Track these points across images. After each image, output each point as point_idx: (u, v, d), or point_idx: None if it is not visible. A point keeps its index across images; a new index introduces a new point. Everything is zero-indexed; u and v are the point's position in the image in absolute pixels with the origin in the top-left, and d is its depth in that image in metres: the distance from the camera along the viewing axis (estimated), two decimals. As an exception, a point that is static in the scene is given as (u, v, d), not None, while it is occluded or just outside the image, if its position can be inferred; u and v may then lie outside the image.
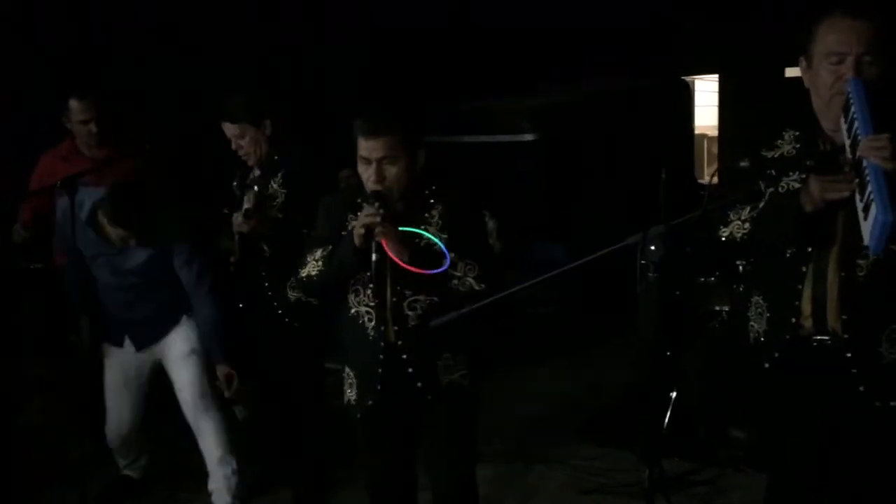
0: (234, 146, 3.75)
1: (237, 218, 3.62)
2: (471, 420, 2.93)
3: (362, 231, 2.61)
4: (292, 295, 3.01)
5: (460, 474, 2.92)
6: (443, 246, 2.69)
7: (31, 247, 4.34)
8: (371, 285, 2.75)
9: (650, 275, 2.11)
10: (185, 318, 3.80)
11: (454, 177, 2.89)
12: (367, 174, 2.73)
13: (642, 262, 2.15)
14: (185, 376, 3.80)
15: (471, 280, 2.70)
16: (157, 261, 3.66)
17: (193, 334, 3.78)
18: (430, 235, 2.72)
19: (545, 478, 4.21)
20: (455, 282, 2.70)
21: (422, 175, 2.81)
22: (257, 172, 3.80)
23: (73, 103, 4.18)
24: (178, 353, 3.80)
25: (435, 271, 2.64)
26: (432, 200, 2.79)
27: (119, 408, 3.84)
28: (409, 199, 2.79)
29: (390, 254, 2.62)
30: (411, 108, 2.94)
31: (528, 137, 6.40)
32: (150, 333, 3.80)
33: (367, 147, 2.71)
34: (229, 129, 3.72)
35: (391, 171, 2.72)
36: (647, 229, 2.11)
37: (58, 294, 4.03)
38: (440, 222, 2.75)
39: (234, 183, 3.93)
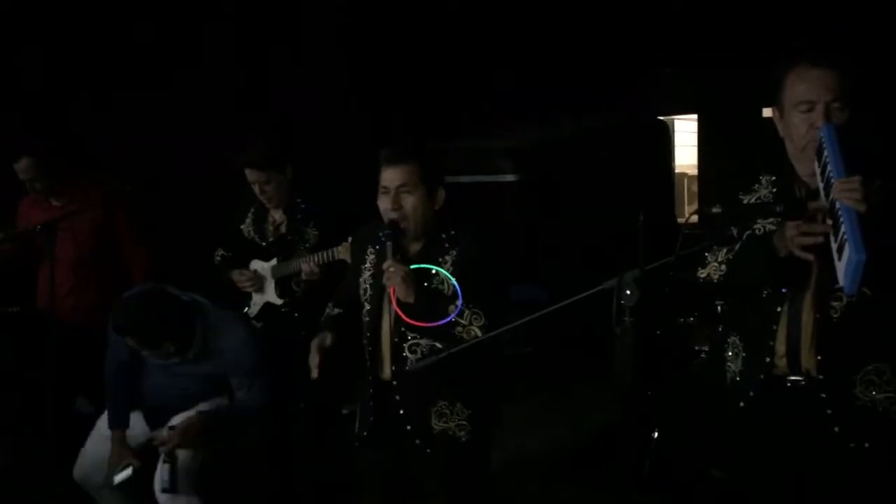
0: (258, 191, 3.86)
1: (311, 268, 3.69)
2: (465, 475, 2.81)
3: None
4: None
5: None
6: (458, 286, 2.67)
7: (7, 290, 4.32)
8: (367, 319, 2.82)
9: (625, 318, 2.12)
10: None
11: (472, 224, 2.85)
12: (384, 205, 2.77)
13: (620, 304, 2.16)
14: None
15: (475, 329, 2.67)
16: (218, 375, 3.56)
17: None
18: (446, 273, 2.71)
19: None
20: (459, 329, 2.67)
21: (441, 217, 2.81)
22: (279, 215, 3.95)
23: (16, 163, 4.16)
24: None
25: (435, 324, 2.65)
26: (447, 245, 2.78)
27: (96, 453, 3.74)
28: (427, 240, 2.80)
29: (393, 297, 2.66)
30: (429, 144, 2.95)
31: (509, 178, 6.44)
32: (168, 415, 3.65)
33: (386, 176, 2.76)
34: (254, 175, 3.83)
35: (408, 200, 2.74)
36: (623, 274, 2.12)
37: (34, 337, 4.00)
38: (452, 268, 2.74)
39: (248, 220, 4.04)
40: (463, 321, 2.66)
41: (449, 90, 7.17)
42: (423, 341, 2.74)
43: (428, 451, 2.77)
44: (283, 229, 3.99)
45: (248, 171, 3.85)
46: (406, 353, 2.75)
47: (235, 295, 4.10)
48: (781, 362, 2.38)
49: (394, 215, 2.73)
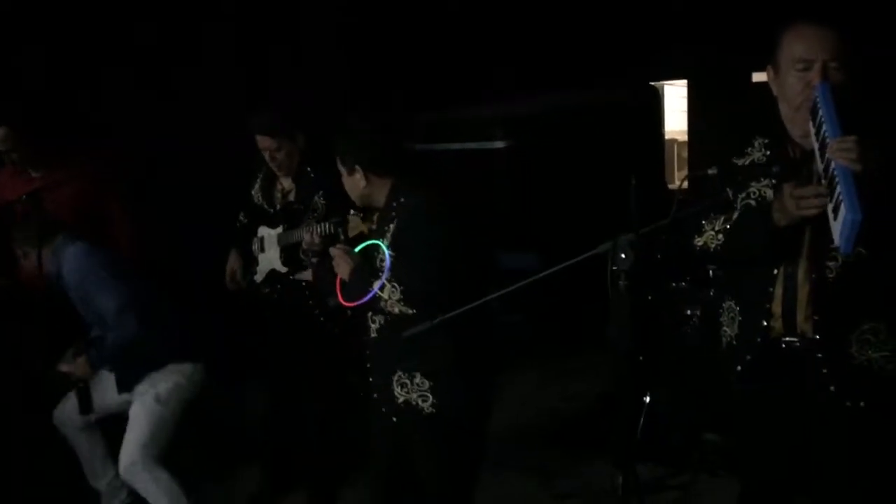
0: (268, 158, 3.88)
1: (312, 238, 3.65)
2: (437, 445, 2.79)
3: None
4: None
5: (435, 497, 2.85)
6: (388, 261, 2.67)
7: None
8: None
9: (621, 282, 2.11)
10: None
11: (419, 192, 2.81)
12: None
13: (613, 269, 2.15)
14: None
15: (397, 304, 2.66)
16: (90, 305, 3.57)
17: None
18: (385, 248, 2.71)
19: (517, 485, 4.20)
20: (382, 303, 2.68)
21: (394, 188, 2.81)
22: (288, 183, 3.96)
23: None
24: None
25: (356, 303, 2.69)
26: (393, 214, 2.79)
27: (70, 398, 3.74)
28: (381, 214, 2.82)
29: (338, 280, 2.77)
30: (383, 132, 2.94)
31: (499, 145, 6.40)
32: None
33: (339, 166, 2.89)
34: (266, 142, 3.84)
35: (357, 190, 2.86)
36: (617, 237, 2.11)
37: (21, 312, 3.97)
38: (391, 238, 2.74)
39: (256, 187, 4.05)
40: (384, 295, 2.67)
41: (441, 59, 7.11)
42: (377, 316, 2.78)
43: (394, 419, 2.80)
44: (290, 197, 3.98)
45: (259, 138, 3.85)
46: (369, 323, 2.82)
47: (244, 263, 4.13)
48: (777, 324, 2.38)
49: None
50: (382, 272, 2.66)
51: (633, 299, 2.11)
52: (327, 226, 3.63)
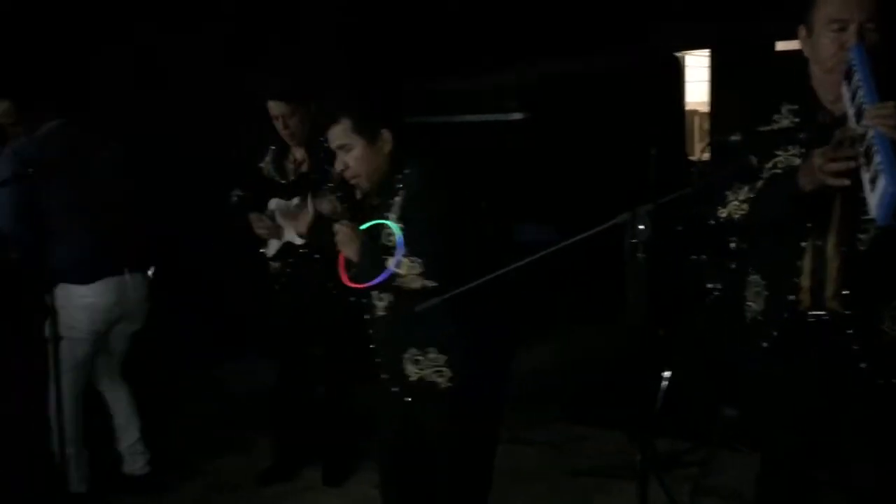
0: (280, 125, 3.83)
1: (334, 207, 3.48)
2: (455, 420, 2.69)
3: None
4: None
5: (448, 477, 2.76)
6: (400, 236, 2.55)
7: None
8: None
9: (638, 255, 2.04)
10: None
11: (425, 159, 2.70)
12: (337, 165, 2.72)
13: (631, 241, 2.08)
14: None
15: (417, 279, 2.54)
16: None
17: None
18: (391, 223, 2.59)
19: (533, 459, 4.17)
20: (400, 281, 2.55)
21: (397, 160, 2.68)
22: (300, 154, 3.91)
23: None
24: None
25: (369, 284, 2.56)
26: (398, 186, 2.66)
27: None
28: (381, 186, 2.70)
29: (342, 259, 2.65)
30: (370, 88, 2.84)
31: (516, 116, 6.32)
32: None
33: (328, 137, 2.70)
34: (279, 107, 3.80)
35: (350, 157, 2.66)
36: (636, 208, 2.04)
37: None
38: (399, 212, 2.62)
39: (267, 159, 4.00)
40: (401, 272, 2.54)
41: (456, 28, 7.00)
42: (385, 293, 2.67)
43: (408, 399, 2.71)
44: (304, 167, 3.92)
45: (271, 105, 3.80)
46: (375, 301, 2.71)
47: (249, 236, 4.04)
48: (805, 297, 2.30)
49: (346, 174, 2.68)
50: (395, 249, 2.55)
51: (651, 272, 2.04)
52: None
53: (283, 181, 3.97)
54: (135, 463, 3.96)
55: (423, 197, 2.61)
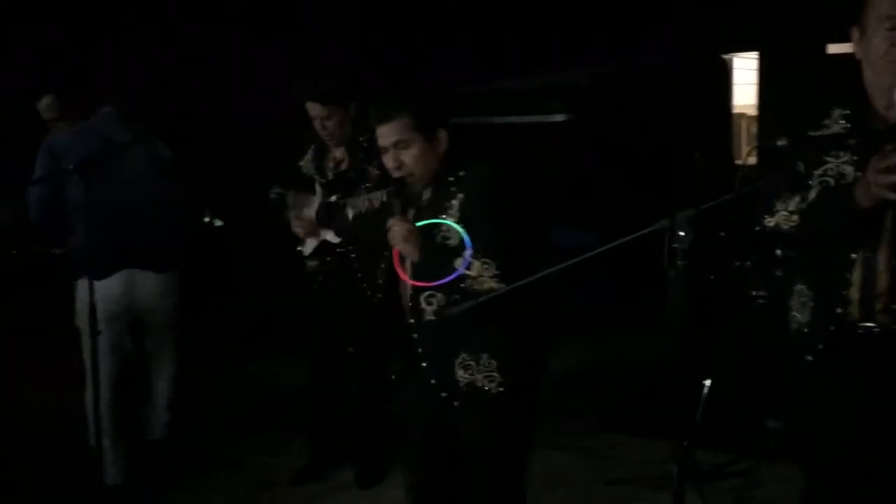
0: (318, 127, 3.82)
1: (372, 205, 3.47)
2: (500, 426, 2.67)
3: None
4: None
5: (491, 488, 2.72)
6: (465, 236, 2.52)
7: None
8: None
9: (679, 261, 1.98)
10: None
11: (481, 162, 2.66)
12: (387, 163, 2.66)
13: (672, 246, 2.02)
14: None
15: (488, 281, 2.51)
16: None
17: None
18: (451, 223, 2.55)
19: (570, 467, 4.11)
20: (469, 282, 2.51)
21: (449, 159, 2.65)
22: (340, 153, 3.89)
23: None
24: None
25: (439, 282, 2.52)
26: (454, 188, 2.62)
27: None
28: (435, 186, 2.66)
29: (396, 257, 2.60)
30: (425, 88, 2.81)
31: (559, 118, 6.25)
32: None
33: (380, 134, 2.64)
34: (317, 109, 3.79)
35: (407, 155, 2.61)
36: (676, 214, 1.97)
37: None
38: (458, 213, 2.58)
39: (307, 157, 4.00)
40: (472, 273, 2.51)
41: (502, 29, 6.96)
42: (438, 295, 2.62)
43: (455, 403, 2.66)
44: (343, 167, 3.92)
45: (309, 106, 3.79)
46: (423, 306, 2.65)
47: (286, 234, 4.05)
48: (854, 310, 2.23)
49: (398, 173, 2.62)
50: (458, 249, 2.52)
51: (692, 279, 1.98)
52: (383, 195, 3.55)
53: (322, 179, 3.97)
54: (157, 430, 4.01)
55: (490, 200, 2.60)
